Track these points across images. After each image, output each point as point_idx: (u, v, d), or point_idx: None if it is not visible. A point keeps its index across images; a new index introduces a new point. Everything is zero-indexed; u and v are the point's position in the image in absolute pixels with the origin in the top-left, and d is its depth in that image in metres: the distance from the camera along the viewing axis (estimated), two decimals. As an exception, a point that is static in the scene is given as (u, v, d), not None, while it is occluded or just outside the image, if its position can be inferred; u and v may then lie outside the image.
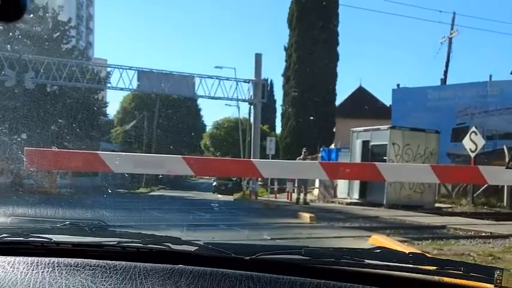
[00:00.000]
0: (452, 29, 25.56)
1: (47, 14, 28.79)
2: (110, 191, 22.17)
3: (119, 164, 7.10)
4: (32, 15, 24.21)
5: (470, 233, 9.45)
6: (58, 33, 29.27)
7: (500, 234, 9.19)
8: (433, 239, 8.46)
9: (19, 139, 19.56)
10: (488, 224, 11.36)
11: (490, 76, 21.97)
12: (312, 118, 28.71)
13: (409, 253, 1.46)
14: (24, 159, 6.36)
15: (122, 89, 24.13)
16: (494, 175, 7.56)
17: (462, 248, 7.43)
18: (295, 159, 16.91)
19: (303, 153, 17.28)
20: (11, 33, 25.14)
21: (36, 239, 1.52)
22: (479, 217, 13.28)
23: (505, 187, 16.40)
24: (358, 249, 1.49)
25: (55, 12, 30.11)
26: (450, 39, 25.71)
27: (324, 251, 1.45)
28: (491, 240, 8.48)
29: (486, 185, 14.99)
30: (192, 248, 1.45)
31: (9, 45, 25.41)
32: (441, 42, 25.91)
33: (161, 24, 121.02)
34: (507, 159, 17.28)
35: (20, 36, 25.69)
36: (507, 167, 5.91)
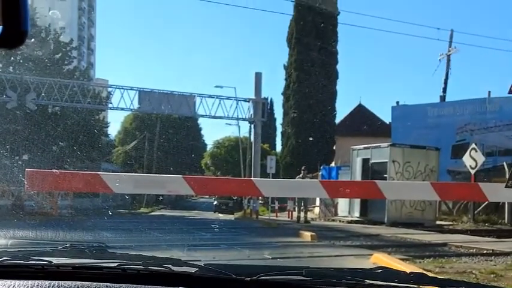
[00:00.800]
0: (450, 46, 25.76)
1: (48, 36, 29.08)
2: (110, 213, 22.15)
3: (119, 184, 7.06)
4: (33, 40, 24.43)
5: (471, 251, 9.41)
6: (60, 55, 29.52)
7: (502, 251, 9.14)
8: (435, 256, 8.42)
9: (20, 162, 19.62)
10: (489, 241, 11.32)
11: (489, 93, 22.05)
12: (311, 139, 28.79)
13: (410, 273, 1.46)
14: (25, 181, 6.33)
15: (122, 109, 24.27)
16: (495, 192, 7.51)
17: (464, 266, 7.39)
18: (294, 178, 16.91)
19: (302, 172, 17.30)
20: (12, 58, 25.38)
21: (36, 262, 1.52)
22: (480, 234, 13.23)
23: (506, 204, 16.34)
24: (359, 269, 1.49)
25: (57, 34, 30.40)
26: (448, 56, 25.89)
27: (325, 271, 1.46)
28: (493, 257, 8.46)
29: (487, 202, 14.96)
30: (193, 270, 1.46)
31: (11, 67, 25.64)
32: (439, 60, 26.09)
33: (162, 44, 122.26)
34: (507, 176, 17.32)
35: (21, 61, 25.91)
36: (507, 186, 5.87)
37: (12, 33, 1.12)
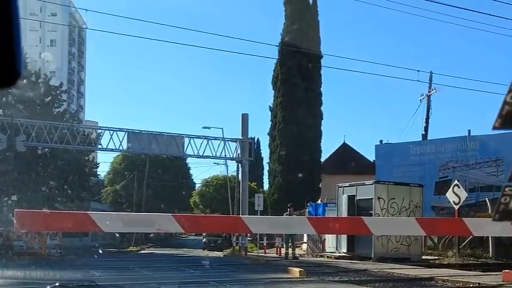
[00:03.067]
0: (430, 87, 26.61)
1: (39, 80, 29.49)
2: (99, 252, 21.93)
3: (109, 223, 7.28)
4: (25, 81, 24.76)
5: (458, 285, 9.58)
6: (50, 98, 29.86)
7: (488, 285, 9.34)
8: (422, 291, 8.63)
9: (10, 201, 19.55)
10: (475, 275, 11.50)
11: (469, 131, 22.63)
12: (300, 175, 29.11)
13: None
14: (14, 222, 6.55)
15: (112, 150, 24.39)
16: (479, 226, 7.83)
17: (451, 300, 7.56)
18: (282, 215, 17.08)
19: (288, 209, 17.50)
20: (4, 98, 25.61)
21: None
22: (466, 268, 13.44)
23: (490, 238, 16.63)
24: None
25: (47, 78, 30.85)
26: (429, 96, 26.72)
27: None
28: (479, 291, 8.67)
29: (471, 236, 15.25)
30: None
31: (1, 110, 25.85)
32: (420, 100, 26.90)
33: (150, 86, 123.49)
34: (490, 211, 17.69)
35: (13, 102, 26.15)
36: (494, 220, 6.24)
37: (5, 74, 1.18)
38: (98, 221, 6.96)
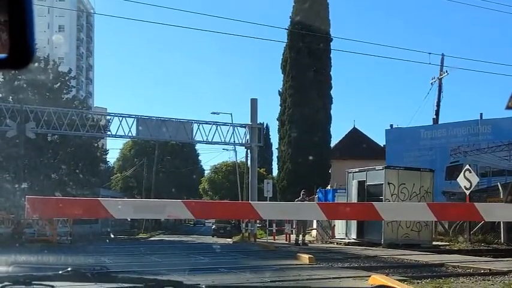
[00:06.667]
0: (441, 70, 26.18)
1: (48, 66, 29.51)
2: (110, 238, 22.15)
3: (120, 210, 7.27)
4: (36, 64, 24.79)
5: (469, 271, 9.50)
6: (59, 84, 29.91)
7: (499, 270, 9.25)
8: (433, 277, 8.50)
9: (21, 187, 19.74)
10: (486, 261, 11.41)
11: (481, 114, 22.35)
12: (311, 158, 28.93)
13: None
14: (26, 207, 6.53)
15: (121, 136, 24.48)
16: (490, 212, 7.70)
17: (462, 286, 7.51)
18: (293, 201, 17.04)
19: (301, 195, 17.43)
20: (16, 82, 25.71)
21: (38, 286, 1.59)
22: (477, 254, 13.36)
23: (501, 223, 16.49)
24: (359, 289, 1.65)
25: (56, 64, 30.86)
26: (440, 79, 26.32)
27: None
28: (490, 277, 8.55)
29: (483, 222, 15.12)
30: None
31: (10, 97, 25.98)
32: (431, 83, 26.52)
33: (159, 72, 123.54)
34: (502, 196, 17.51)
35: (25, 85, 26.24)
36: (506, 201, 6.15)
37: (19, 54, 1.18)
38: (109, 207, 6.94)
